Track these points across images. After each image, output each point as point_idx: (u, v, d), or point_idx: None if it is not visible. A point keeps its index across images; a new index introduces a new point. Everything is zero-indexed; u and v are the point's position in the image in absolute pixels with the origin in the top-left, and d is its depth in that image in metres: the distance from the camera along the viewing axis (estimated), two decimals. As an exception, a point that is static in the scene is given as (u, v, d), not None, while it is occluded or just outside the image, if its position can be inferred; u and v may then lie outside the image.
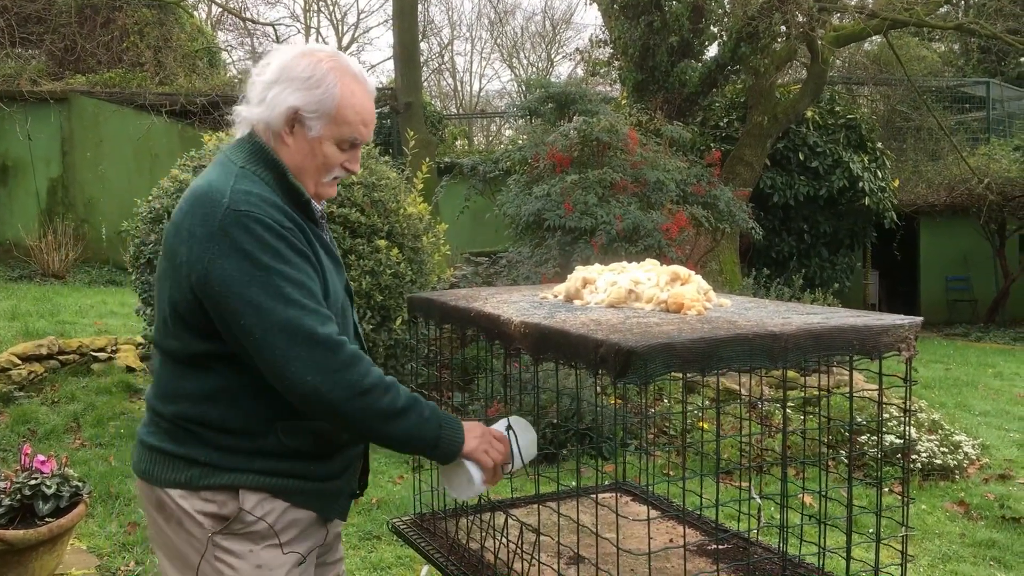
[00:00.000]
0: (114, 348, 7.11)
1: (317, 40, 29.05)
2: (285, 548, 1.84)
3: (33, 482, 3.39)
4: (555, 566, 1.99)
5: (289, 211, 1.80)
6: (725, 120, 13.63)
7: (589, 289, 2.08)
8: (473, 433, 1.87)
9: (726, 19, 12.61)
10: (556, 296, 2.18)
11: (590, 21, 46.93)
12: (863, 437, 5.68)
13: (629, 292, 1.97)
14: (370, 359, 1.78)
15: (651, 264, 2.10)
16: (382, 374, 1.77)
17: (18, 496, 3.35)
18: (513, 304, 2.08)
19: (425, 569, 4.01)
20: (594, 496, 2.20)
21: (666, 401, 6.48)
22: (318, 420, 1.79)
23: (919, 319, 1.78)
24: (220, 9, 22.89)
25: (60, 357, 6.76)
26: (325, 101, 1.82)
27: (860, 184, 12.95)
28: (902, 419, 1.87)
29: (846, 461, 5.39)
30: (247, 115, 1.88)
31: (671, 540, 2.26)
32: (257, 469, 1.80)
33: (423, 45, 25.72)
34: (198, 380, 1.80)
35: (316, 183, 1.89)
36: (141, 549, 4.13)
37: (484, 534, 2.19)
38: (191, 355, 1.80)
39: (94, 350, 6.96)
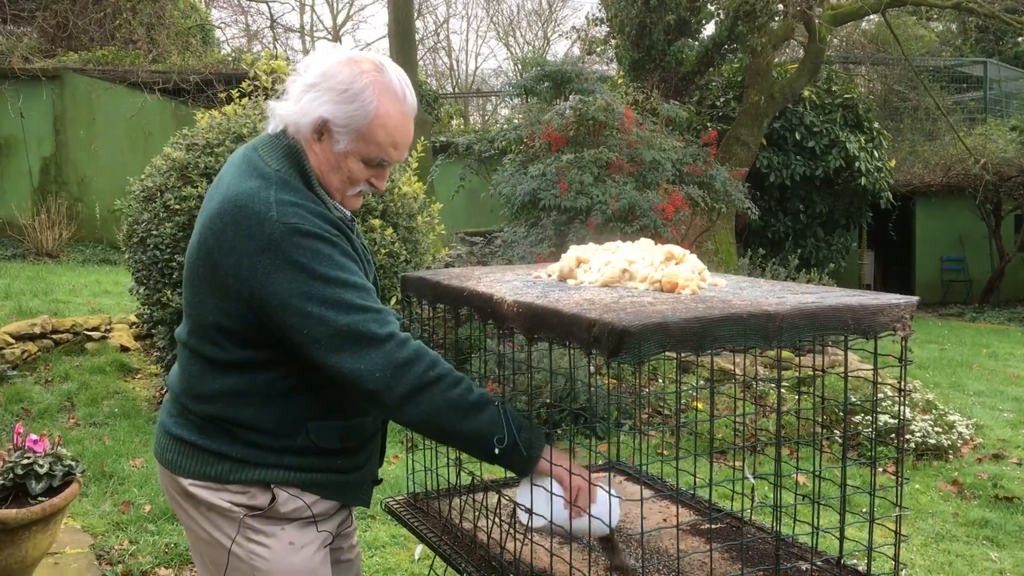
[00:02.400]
0: (108, 327, 7.09)
1: (312, 19, 28.87)
2: (319, 526, 1.90)
3: (25, 461, 3.37)
4: (547, 546, 1.98)
5: (328, 216, 1.79)
6: (722, 99, 13.57)
7: (583, 268, 2.07)
8: (557, 455, 1.81)
9: (723, -3, 12.54)
10: (550, 275, 2.16)
11: (587, -1, 46.65)
12: (857, 417, 5.68)
13: (623, 271, 1.95)
14: (437, 354, 1.77)
15: (645, 243, 2.08)
16: (452, 368, 1.76)
17: (10, 475, 3.34)
18: (506, 283, 2.06)
19: (420, 548, 4.02)
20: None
21: (660, 381, 6.49)
22: (391, 419, 1.81)
23: (915, 299, 1.77)
24: (214, -14, 22.68)
25: (54, 336, 6.75)
26: (357, 117, 1.77)
27: (856, 164, 12.93)
28: (896, 399, 1.85)
29: (840, 441, 5.41)
30: (282, 112, 1.84)
31: (664, 520, 2.26)
32: (287, 465, 1.83)
33: (418, 23, 25.58)
34: (231, 381, 1.81)
35: (341, 195, 1.87)
36: (135, 528, 4.13)
37: (477, 514, 2.19)
38: (227, 361, 1.80)
39: (88, 329, 6.94)
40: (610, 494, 1.86)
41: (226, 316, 1.76)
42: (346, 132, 1.79)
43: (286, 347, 1.76)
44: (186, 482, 1.85)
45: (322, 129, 1.80)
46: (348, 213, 1.93)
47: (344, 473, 1.91)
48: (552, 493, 1.78)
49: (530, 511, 1.81)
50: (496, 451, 1.75)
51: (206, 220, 1.80)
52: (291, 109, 1.82)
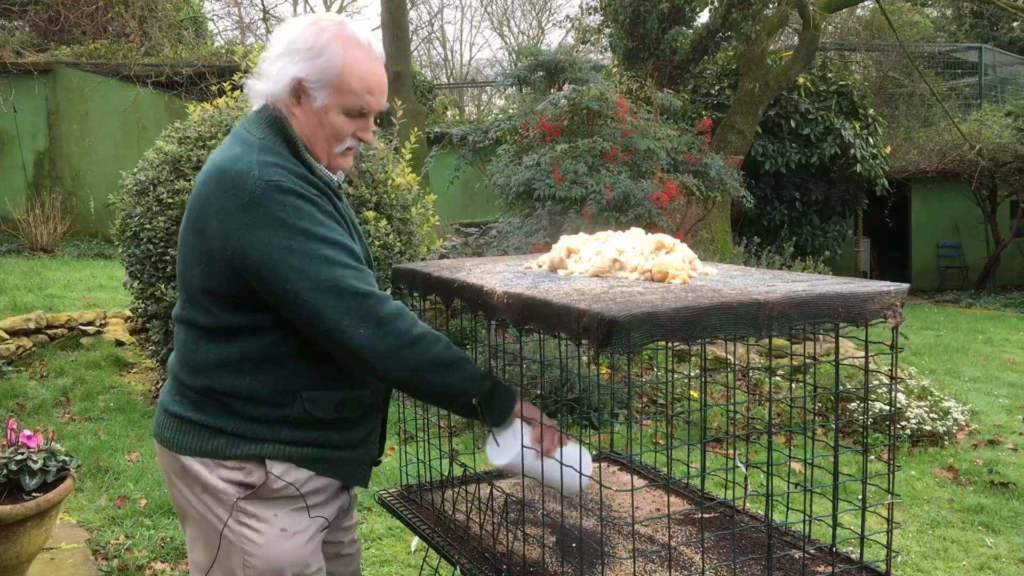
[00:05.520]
0: (103, 322, 7.08)
1: (305, 10, 28.78)
2: (312, 512, 1.89)
3: (19, 457, 3.37)
4: (540, 536, 1.98)
5: (310, 178, 1.82)
6: (716, 87, 13.55)
7: (573, 259, 2.06)
8: (527, 406, 1.88)
9: (717, -15, 12.49)
10: (540, 266, 2.16)
11: (581, -12, 46.42)
12: (853, 405, 5.69)
13: (613, 261, 1.95)
14: (415, 313, 1.81)
15: (636, 233, 2.08)
16: (429, 327, 1.79)
17: (4, 471, 3.33)
18: (497, 274, 2.06)
19: (416, 540, 4.02)
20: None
21: (655, 371, 6.49)
22: (372, 375, 1.82)
23: (905, 286, 1.77)
24: (206, -22, 22.60)
25: (49, 331, 6.74)
26: (327, 70, 1.81)
27: (852, 151, 12.92)
28: (890, 386, 1.85)
29: (834, 428, 5.41)
30: (259, 89, 1.88)
31: (657, 509, 2.26)
32: (282, 439, 1.83)
33: (412, 13, 25.50)
34: (225, 350, 1.82)
35: (328, 154, 1.89)
36: (131, 523, 4.13)
37: (470, 506, 2.19)
38: (219, 327, 1.81)
39: (83, 324, 6.93)
40: (580, 448, 1.90)
41: (212, 279, 1.79)
42: (320, 87, 1.82)
43: (275, 310, 1.77)
44: (183, 459, 1.85)
45: (298, 90, 1.84)
46: (336, 179, 1.94)
47: (340, 449, 1.91)
48: (523, 446, 1.83)
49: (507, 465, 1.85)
50: (475, 402, 1.80)
51: (194, 190, 1.85)
52: (267, 84, 1.86)
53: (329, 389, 1.87)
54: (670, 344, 1.63)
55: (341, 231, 1.81)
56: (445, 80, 29.35)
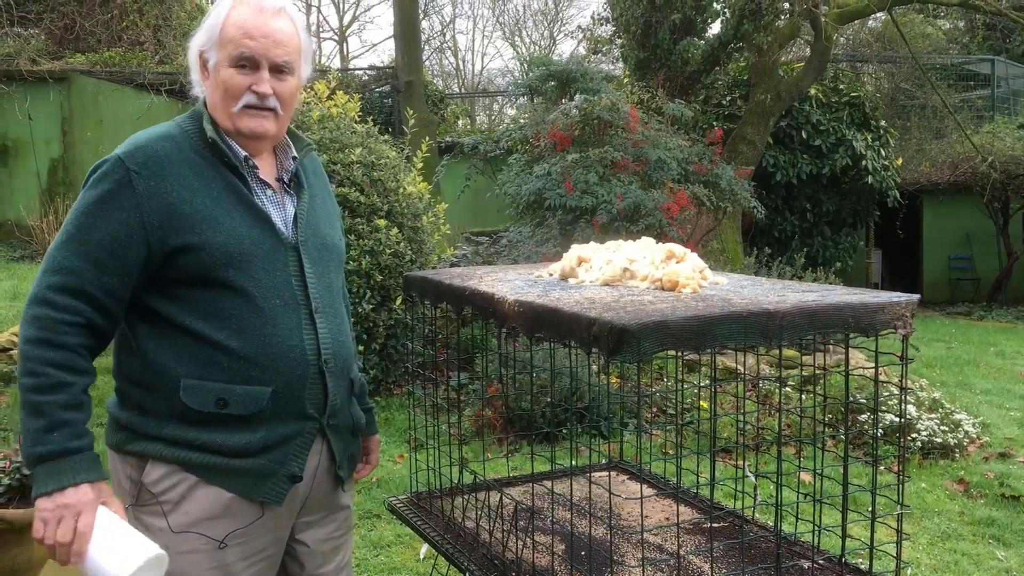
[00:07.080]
0: (115, 328, 7.10)
1: (318, 20, 28.94)
2: (181, 527, 1.73)
3: (32, 461, 3.39)
4: (549, 544, 1.99)
5: (188, 152, 1.81)
6: (727, 98, 13.54)
7: (584, 267, 2.07)
8: (65, 498, 1.62)
9: (728, -4, 12.52)
10: (551, 274, 2.17)
11: (593, -1, 46.48)
12: (863, 416, 5.67)
13: (624, 270, 1.96)
14: (69, 337, 1.65)
15: (647, 242, 2.09)
16: (47, 357, 1.63)
17: (17, 475, 3.35)
18: (508, 282, 2.07)
19: (425, 547, 4.03)
20: (589, 475, 2.19)
21: (665, 380, 6.48)
22: None
23: (915, 296, 1.77)
24: (220, -13, 22.72)
25: (61, 337, 6.75)
26: (212, 29, 1.85)
27: (863, 162, 12.89)
28: (899, 397, 1.85)
29: (844, 439, 5.39)
30: (193, 80, 1.94)
31: (666, 518, 2.26)
32: (166, 437, 1.72)
33: (424, 23, 25.61)
34: (120, 333, 1.79)
35: (228, 115, 1.84)
36: (141, 528, 4.14)
37: (479, 513, 2.19)
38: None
39: (95, 330, 6.94)
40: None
41: None
42: (211, 48, 1.85)
43: (137, 279, 1.74)
44: (110, 458, 1.82)
45: (202, 62, 1.88)
46: (285, 168, 1.93)
47: (224, 455, 1.73)
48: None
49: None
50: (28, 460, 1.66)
51: None
52: (193, 72, 1.93)
53: (210, 380, 1.72)
54: (680, 353, 1.64)
55: (114, 215, 1.70)
56: (457, 90, 29.45)
